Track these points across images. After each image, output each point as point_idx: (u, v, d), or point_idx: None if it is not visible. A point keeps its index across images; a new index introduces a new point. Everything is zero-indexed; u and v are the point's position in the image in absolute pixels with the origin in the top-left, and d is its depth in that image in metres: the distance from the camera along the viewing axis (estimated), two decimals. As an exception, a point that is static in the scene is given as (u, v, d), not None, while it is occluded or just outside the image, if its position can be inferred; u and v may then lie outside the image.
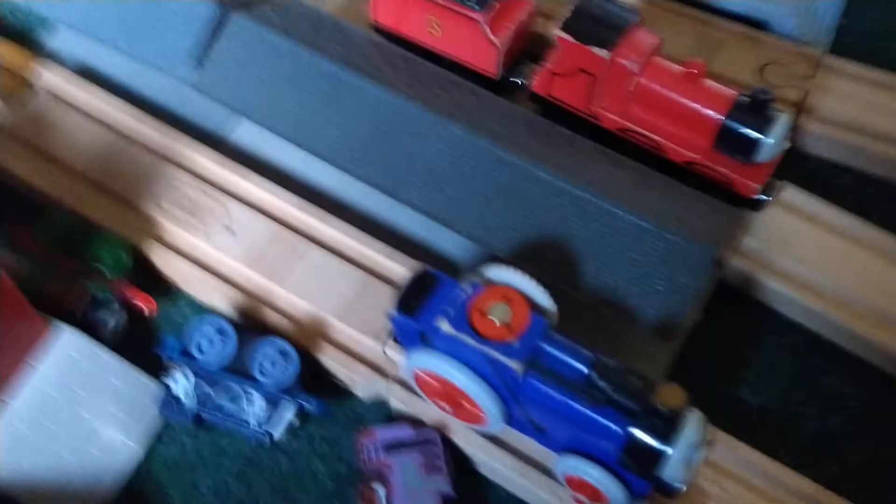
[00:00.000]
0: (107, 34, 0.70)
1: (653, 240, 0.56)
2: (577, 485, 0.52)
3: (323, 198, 0.68)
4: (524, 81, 0.67)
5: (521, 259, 0.58)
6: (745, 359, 0.64)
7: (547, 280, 0.53)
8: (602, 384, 0.49)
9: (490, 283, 0.52)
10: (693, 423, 0.48)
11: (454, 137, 0.61)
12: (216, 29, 0.67)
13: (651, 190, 0.60)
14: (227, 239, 0.64)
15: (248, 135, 0.70)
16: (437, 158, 0.61)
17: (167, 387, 0.57)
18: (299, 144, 0.64)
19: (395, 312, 0.53)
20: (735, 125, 0.59)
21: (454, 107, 0.63)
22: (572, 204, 0.58)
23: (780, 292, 0.65)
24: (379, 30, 0.71)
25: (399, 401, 0.58)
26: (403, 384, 0.58)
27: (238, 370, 0.57)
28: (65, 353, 0.58)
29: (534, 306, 0.51)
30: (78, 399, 0.57)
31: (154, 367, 0.59)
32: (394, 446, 0.56)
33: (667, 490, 0.49)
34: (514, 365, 0.49)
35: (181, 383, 0.57)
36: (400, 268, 0.62)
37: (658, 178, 0.61)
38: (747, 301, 0.67)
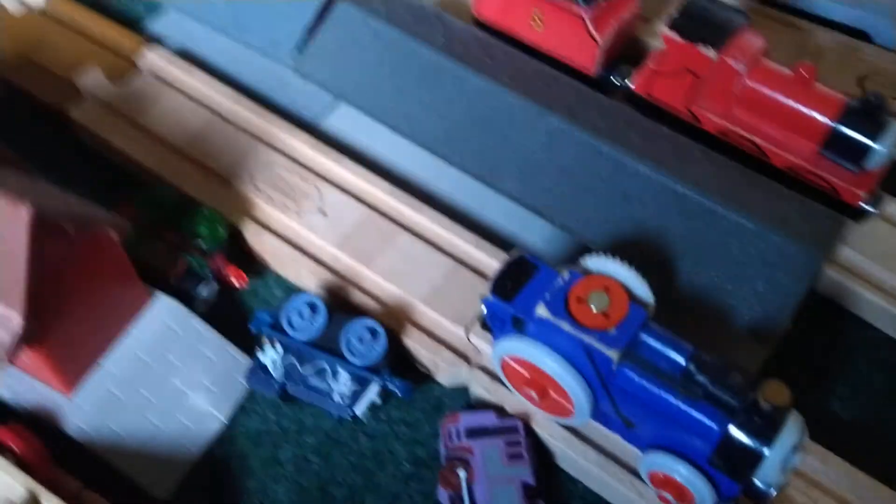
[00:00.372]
0: (214, 18, 0.73)
1: (754, 239, 0.55)
2: (661, 482, 0.51)
3: (413, 186, 0.68)
4: (622, 81, 0.67)
5: (616, 253, 0.57)
6: (836, 372, 0.63)
7: (644, 275, 0.52)
8: (700, 378, 0.48)
9: (589, 273, 0.52)
10: (793, 425, 0.46)
11: (554, 128, 0.61)
12: (321, 14, 0.68)
13: (753, 190, 0.59)
14: (318, 220, 0.65)
15: (341, 122, 0.71)
16: (535, 149, 0.61)
17: (256, 358, 0.58)
18: (398, 130, 0.65)
19: (490, 296, 0.53)
20: (845, 130, 0.58)
21: (555, 99, 0.63)
22: (672, 200, 0.57)
23: (876, 305, 0.63)
24: (480, 23, 0.71)
25: (481, 388, 0.58)
26: (487, 371, 0.58)
27: (327, 347, 0.58)
28: (161, 320, 0.59)
29: (633, 297, 0.51)
30: (169, 365, 0.59)
31: (243, 341, 0.60)
32: (477, 432, 0.55)
33: (757, 494, 0.48)
34: (610, 353, 0.48)
35: (270, 356, 0.58)
36: (487, 258, 0.62)
37: (760, 180, 0.60)
38: (840, 313, 0.65)
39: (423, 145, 0.64)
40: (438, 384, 0.61)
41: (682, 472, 0.49)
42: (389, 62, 0.66)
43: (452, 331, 0.60)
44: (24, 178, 0.53)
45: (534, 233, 0.64)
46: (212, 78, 0.73)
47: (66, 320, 0.52)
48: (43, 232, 0.46)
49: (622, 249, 0.58)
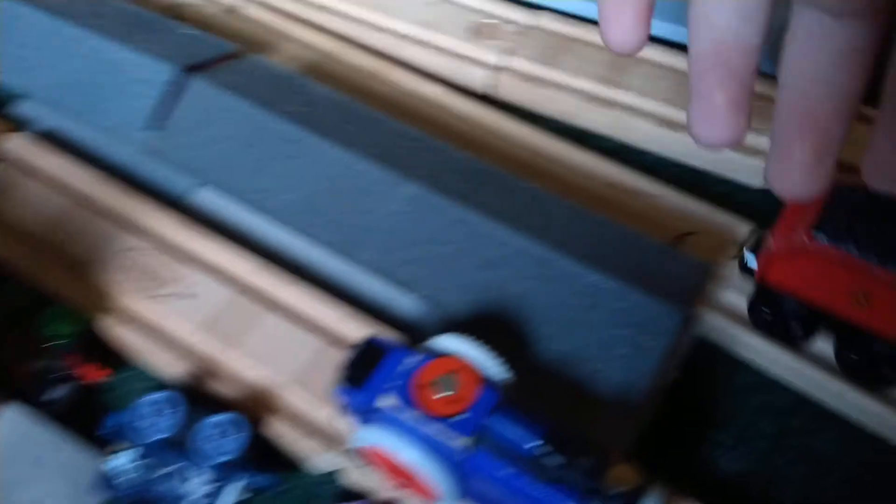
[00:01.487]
0: (69, 102, 0.70)
1: (616, 299, 0.53)
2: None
3: (286, 259, 0.66)
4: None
5: (478, 323, 0.55)
6: (723, 420, 0.61)
7: (505, 345, 0.50)
8: (555, 459, 0.46)
9: (439, 354, 0.50)
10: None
11: (412, 196, 0.59)
12: (175, 93, 0.66)
13: (617, 244, 0.58)
14: (183, 305, 0.63)
15: (210, 196, 0.69)
16: (395, 218, 0.59)
17: (108, 464, 0.55)
18: (257, 207, 0.63)
19: (340, 386, 0.50)
20: None
21: (415, 165, 0.61)
22: (532, 263, 0.55)
23: (763, 349, 0.62)
24: (768, 289, 0.59)
25: (352, 475, 0.56)
26: (356, 458, 0.56)
27: (186, 444, 0.55)
28: (10, 429, 0.56)
29: (484, 377, 0.48)
30: (21, 476, 0.56)
31: (103, 441, 0.57)
32: (347, 524, 0.53)
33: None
34: (460, 441, 0.46)
35: (122, 460, 0.55)
36: (359, 332, 0.60)
37: (626, 231, 0.59)
38: (729, 359, 0.64)
39: (283, 221, 0.62)
40: (310, 472, 0.58)
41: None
42: (246, 136, 0.63)
43: (321, 415, 0.57)
44: None
45: (411, 303, 0.62)
46: (71, 162, 0.70)
47: None
48: None
49: (485, 319, 0.56)
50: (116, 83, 0.67)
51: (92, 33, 0.69)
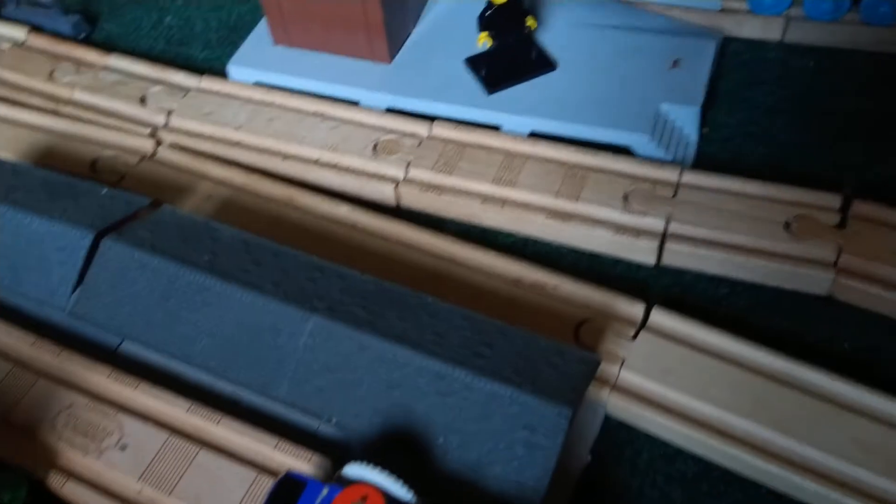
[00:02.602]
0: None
1: (509, 406, 0.58)
2: None
3: (213, 396, 0.69)
4: None
5: (388, 442, 0.59)
6: (638, 494, 0.65)
7: (414, 461, 0.54)
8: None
9: (349, 483, 0.54)
10: None
11: (317, 329, 0.63)
12: (90, 255, 0.70)
13: (511, 349, 0.62)
14: (119, 456, 0.66)
15: (137, 345, 0.73)
16: (303, 352, 0.63)
17: None
18: (177, 357, 0.67)
19: (262, 523, 0.54)
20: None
21: (318, 296, 0.66)
22: (431, 379, 0.60)
23: (667, 424, 0.66)
24: None
25: None
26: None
27: None
28: None
29: (393, 501, 0.53)
30: None
31: None
32: None
33: None
34: (373, 565, 0.50)
35: None
36: (286, 459, 0.64)
37: (520, 334, 0.64)
38: (637, 435, 0.68)
39: (202, 366, 0.66)
40: None
41: None
42: (160, 291, 0.68)
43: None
44: None
45: (325, 428, 0.66)
46: (6, 328, 0.74)
47: None
48: None
49: (394, 438, 0.60)
50: (39, 253, 0.72)
51: (13, 209, 0.73)
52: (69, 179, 0.80)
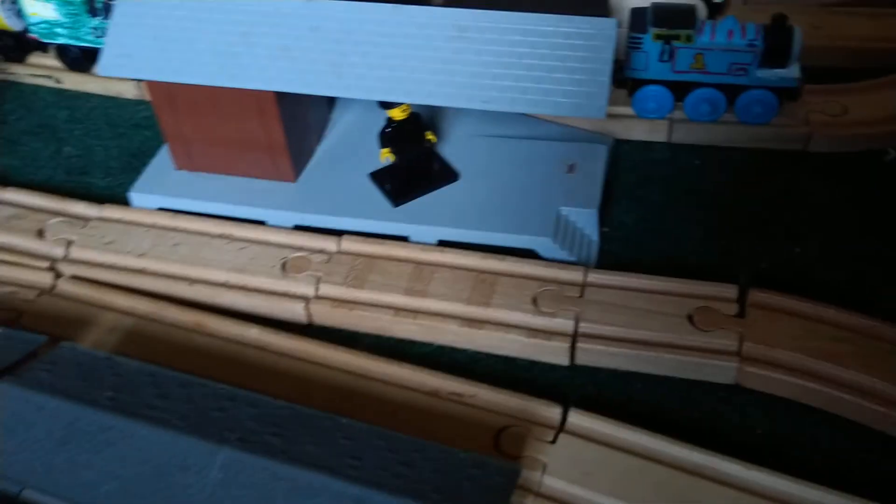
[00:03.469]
0: None
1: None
2: None
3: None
4: None
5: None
6: None
7: None
8: None
9: None
10: None
11: (228, 462, 0.61)
12: (-18, 401, 0.67)
13: (429, 465, 0.61)
14: None
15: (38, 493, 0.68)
16: (215, 487, 0.61)
17: None
18: (76, 502, 0.63)
19: None
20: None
21: (229, 427, 0.64)
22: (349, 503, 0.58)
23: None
24: None
25: None
26: None
27: None
28: None
29: None
30: None
31: None
32: None
33: None
34: None
35: None
36: None
37: (438, 450, 0.63)
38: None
39: (106, 512, 0.63)
40: None
41: None
42: (60, 433, 0.64)
43: None
44: None
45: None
46: None
47: None
48: None
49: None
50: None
51: None
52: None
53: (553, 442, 0.71)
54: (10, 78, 1.22)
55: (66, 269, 0.91)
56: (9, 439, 0.66)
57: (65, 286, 0.89)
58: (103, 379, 0.68)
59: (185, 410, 0.65)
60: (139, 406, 0.65)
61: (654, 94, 1.00)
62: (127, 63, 0.88)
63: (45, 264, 0.91)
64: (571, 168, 0.94)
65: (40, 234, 0.94)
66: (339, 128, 1.04)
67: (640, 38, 0.96)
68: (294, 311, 0.86)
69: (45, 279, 0.89)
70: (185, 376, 0.70)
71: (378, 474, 0.59)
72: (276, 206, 0.94)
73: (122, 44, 0.89)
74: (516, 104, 0.81)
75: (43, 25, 1.15)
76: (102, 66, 0.90)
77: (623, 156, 1.02)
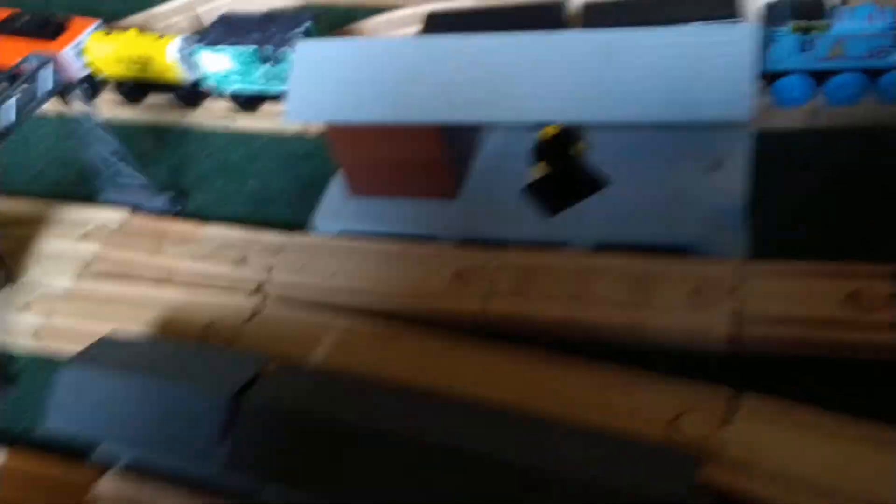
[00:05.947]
0: (138, 442, 0.84)
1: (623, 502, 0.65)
2: None
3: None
4: None
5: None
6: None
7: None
8: None
9: None
10: None
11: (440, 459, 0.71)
12: (230, 416, 0.79)
13: (612, 452, 0.69)
14: None
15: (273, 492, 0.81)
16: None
17: None
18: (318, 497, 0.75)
19: None
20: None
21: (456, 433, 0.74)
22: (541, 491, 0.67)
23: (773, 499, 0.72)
24: None
25: None
26: None
27: None
28: None
29: None
30: None
31: None
32: None
33: None
34: None
35: None
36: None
37: (605, 439, 0.71)
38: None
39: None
40: None
41: None
42: (305, 439, 0.76)
43: None
44: None
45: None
46: (160, 487, 0.83)
47: None
48: None
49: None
50: (181, 419, 0.81)
51: (151, 379, 0.83)
52: (193, 346, 0.90)
53: (727, 426, 0.77)
54: (187, 124, 1.38)
55: (270, 293, 1.04)
56: (263, 447, 0.78)
57: (270, 309, 1.02)
58: (330, 392, 0.80)
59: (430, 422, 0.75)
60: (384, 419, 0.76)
61: (794, 84, 1.03)
62: (309, 109, 1.00)
63: (251, 289, 1.05)
64: (716, 162, 0.99)
65: (243, 262, 1.08)
66: (489, 147, 1.13)
67: (777, 32, 0.99)
68: (468, 319, 0.95)
69: (253, 303, 1.03)
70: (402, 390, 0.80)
71: (567, 465, 0.68)
72: (443, 223, 1.04)
73: (303, 92, 1.01)
74: (664, 115, 0.88)
75: (218, 76, 1.29)
76: (289, 113, 1.02)
77: (764, 145, 1.05)
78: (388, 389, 0.80)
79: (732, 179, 0.97)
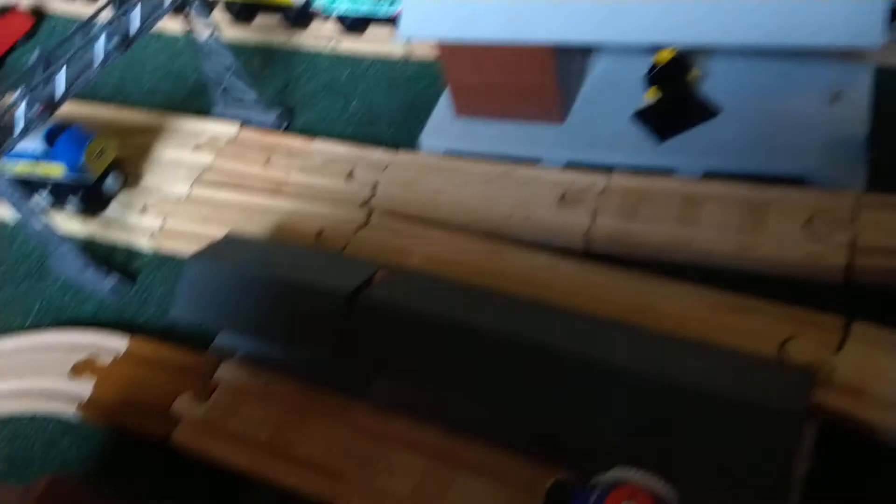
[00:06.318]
0: (261, 333, 0.88)
1: (742, 414, 0.66)
2: None
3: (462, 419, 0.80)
4: None
5: (633, 452, 0.68)
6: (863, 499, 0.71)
7: (658, 467, 0.63)
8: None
9: (615, 485, 0.63)
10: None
11: (548, 358, 0.73)
12: (346, 314, 0.83)
13: (727, 364, 0.70)
14: (389, 481, 0.77)
15: (382, 388, 0.84)
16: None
17: None
18: (431, 390, 0.78)
19: (542, 526, 0.64)
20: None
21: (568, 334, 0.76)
22: (665, 396, 0.69)
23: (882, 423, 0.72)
24: None
25: None
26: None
27: None
28: None
29: (658, 498, 0.61)
30: None
31: None
32: None
33: None
34: (651, 554, 0.58)
35: None
36: (542, 477, 0.73)
37: (722, 353, 0.72)
38: (853, 439, 0.74)
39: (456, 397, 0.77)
40: None
41: None
42: (416, 342, 0.79)
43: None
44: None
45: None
46: (276, 375, 0.88)
47: None
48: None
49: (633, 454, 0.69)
50: (299, 314, 0.85)
51: (273, 276, 0.87)
52: (310, 250, 0.94)
53: (837, 352, 0.77)
54: (295, 45, 1.41)
55: (376, 206, 1.07)
56: (371, 349, 0.82)
57: (377, 221, 1.05)
58: (440, 293, 0.82)
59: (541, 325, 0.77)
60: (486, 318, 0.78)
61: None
62: (423, 27, 1.02)
63: (358, 203, 1.08)
64: (836, 95, 0.97)
65: (350, 176, 1.11)
66: (596, 72, 1.12)
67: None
68: (573, 240, 0.97)
69: (360, 216, 1.06)
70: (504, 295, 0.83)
71: (689, 371, 0.69)
72: (549, 146, 1.05)
73: (416, 9, 1.02)
74: (790, 38, 0.86)
75: (326, -2, 1.32)
76: (402, 31, 1.04)
77: (884, 82, 1.02)
78: (497, 296, 0.82)
79: (853, 111, 0.95)
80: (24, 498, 0.61)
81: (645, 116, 1.02)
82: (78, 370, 0.97)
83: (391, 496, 0.77)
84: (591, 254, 0.96)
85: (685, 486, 0.63)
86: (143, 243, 1.13)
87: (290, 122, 1.27)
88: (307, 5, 1.36)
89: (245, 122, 1.26)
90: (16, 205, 1.01)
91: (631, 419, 0.69)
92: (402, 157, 1.11)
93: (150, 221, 1.14)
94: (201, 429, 0.87)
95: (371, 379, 0.84)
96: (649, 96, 1.00)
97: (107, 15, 1.05)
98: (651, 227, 0.94)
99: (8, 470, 0.95)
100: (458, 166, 1.08)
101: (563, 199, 0.99)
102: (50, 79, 0.99)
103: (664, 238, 0.92)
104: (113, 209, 1.18)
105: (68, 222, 1.18)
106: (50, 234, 1.05)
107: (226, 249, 0.93)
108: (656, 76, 0.99)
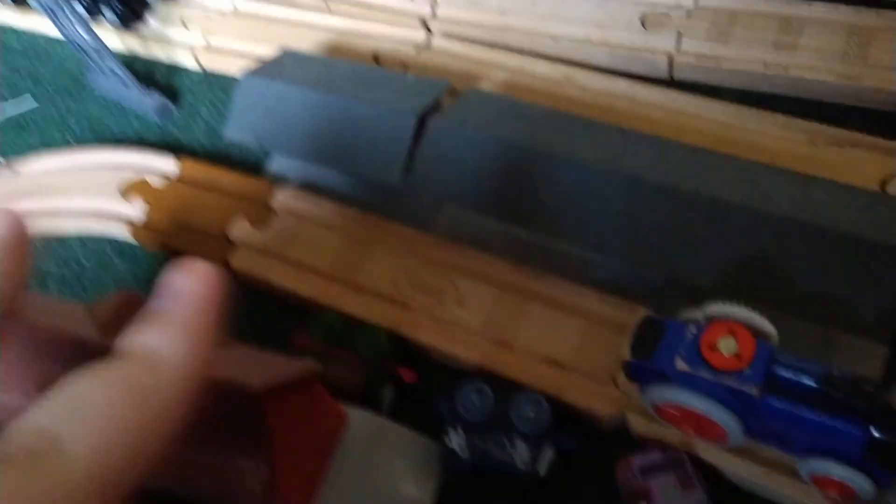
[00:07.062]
0: (321, 156, 0.83)
1: (855, 247, 0.61)
2: (822, 482, 0.59)
3: (535, 251, 0.76)
4: None
5: (730, 289, 0.64)
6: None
7: (758, 305, 0.59)
8: (836, 394, 0.55)
9: (713, 320, 0.59)
10: (928, 416, 0.53)
11: (641, 189, 0.68)
12: (416, 136, 0.77)
13: (835, 199, 0.65)
14: (460, 312, 0.75)
15: (449, 218, 0.80)
16: (621, 209, 0.69)
17: (444, 443, 0.68)
18: (505, 220, 0.74)
19: (630, 359, 0.61)
20: None
21: (651, 163, 0.70)
22: (768, 228, 0.64)
23: None
24: None
25: (641, 427, 0.66)
26: (642, 413, 0.66)
27: (501, 422, 0.68)
28: (359, 427, 0.70)
29: (757, 333, 0.58)
30: (375, 462, 0.69)
31: (426, 428, 0.71)
32: (649, 470, 0.64)
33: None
34: (750, 390, 0.56)
35: (455, 439, 0.68)
36: (617, 312, 0.70)
37: (840, 188, 0.66)
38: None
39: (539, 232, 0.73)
40: (604, 431, 0.69)
41: (839, 472, 0.56)
42: (491, 163, 0.74)
43: (601, 384, 0.69)
44: (232, 353, 0.64)
45: (651, 278, 0.72)
46: (337, 203, 0.84)
47: (297, 462, 0.63)
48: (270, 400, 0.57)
49: (731, 287, 0.65)
50: (368, 136, 0.79)
51: (339, 97, 0.81)
52: (372, 68, 0.87)
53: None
54: None
55: (437, 27, 0.99)
56: (440, 168, 0.77)
57: (438, 42, 0.97)
58: (515, 117, 0.76)
59: (609, 149, 0.72)
60: (562, 142, 0.73)
61: None
62: None
63: (417, 22, 1.00)
64: None
65: (408, -7, 1.02)
66: None
67: None
68: (656, 66, 0.89)
69: (420, 36, 0.98)
70: (588, 120, 0.76)
71: (788, 200, 0.64)
72: (630, -38, 0.95)
73: None
74: None
75: None
76: None
77: None
78: (581, 121, 0.76)
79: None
80: (92, 313, 0.58)
81: None
82: (128, 191, 0.93)
83: (461, 327, 0.75)
84: (675, 81, 0.89)
85: (783, 323, 0.60)
86: (186, 61, 1.06)
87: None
88: None
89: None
90: (53, 13, 0.93)
91: (727, 253, 0.65)
92: (466, -28, 1.02)
93: (193, 37, 1.07)
94: (260, 255, 0.84)
95: (440, 207, 0.80)
96: None
97: None
98: (743, 53, 0.86)
99: (61, 292, 0.93)
100: (529, -17, 0.98)
101: (645, 22, 0.91)
102: None
103: (757, 65, 0.84)
104: (152, 24, 1.11)
105: (105, 37, 1.10)
106: (89, 45, 0.98)
107: (282, 67, 0.86)
108: None
